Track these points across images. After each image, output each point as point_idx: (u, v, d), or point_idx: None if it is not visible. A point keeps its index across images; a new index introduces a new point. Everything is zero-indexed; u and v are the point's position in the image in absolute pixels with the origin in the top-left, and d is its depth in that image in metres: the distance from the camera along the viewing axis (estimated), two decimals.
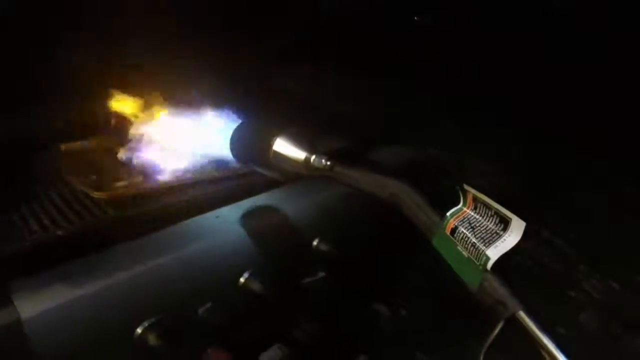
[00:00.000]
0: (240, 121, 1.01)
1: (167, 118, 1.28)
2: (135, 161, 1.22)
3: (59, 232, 0.94)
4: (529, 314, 0.66)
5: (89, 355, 0.88)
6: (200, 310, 1.00)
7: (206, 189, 1.18)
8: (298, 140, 0.89)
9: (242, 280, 1.06)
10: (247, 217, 1.12)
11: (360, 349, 1.53)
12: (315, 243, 1.22)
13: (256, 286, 1.05)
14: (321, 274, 1.24)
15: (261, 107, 1.17)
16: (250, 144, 0.95)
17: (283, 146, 0.89)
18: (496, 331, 0.67)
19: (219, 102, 1.17)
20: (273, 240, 1.14)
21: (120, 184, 1.16)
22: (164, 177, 1.19)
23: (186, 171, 1.21)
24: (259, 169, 0.97)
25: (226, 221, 1.10)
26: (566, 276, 1.98)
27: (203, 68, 1.38)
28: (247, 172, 1.20)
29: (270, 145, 0.88)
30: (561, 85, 1.23)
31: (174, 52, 1.38)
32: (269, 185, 1.22)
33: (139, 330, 0.91)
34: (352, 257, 1.36)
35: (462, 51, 1.34)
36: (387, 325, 1.78)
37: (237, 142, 0.98)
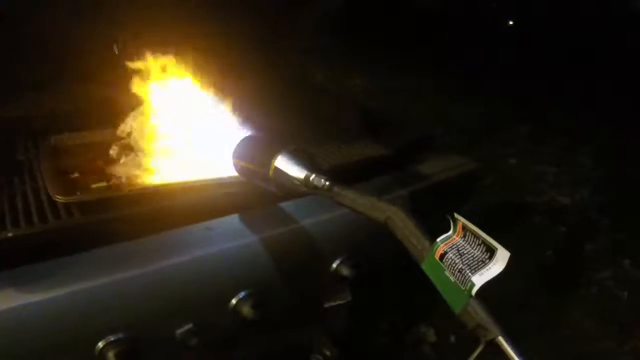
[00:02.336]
0: (245, 134, 1.08)
1: (172, 116, 1.27)
2: (123, 159, 1.22)
3: (10, 234, 0.94)
4: (508, 339, 0.77)
5: None
6: (179, 332, 1.00)
7: (199, 196, 1.14)
8: (299, 158, 0.96)
9: (233, 302, 1.06)
10: (246, 232, 1.10)
11: None
12: (335, 266, 1.21)
13: (248, 311, 1.05)
14: (345, 299, 1.21)
15: (267, 121, 1.20)
16: (252, 158, 1.02)
17: (284, 163, 0.96)
18: (476, 353, 0.78)
19: (227, 110, 1.19)
20: (277, 260, 1.12)
21: (99, 184, 1.15)
22: (153, 179, 1.18)
23: (180, 174, 1.18)
24: (259, 183, 1.04)
25: (219, 234, 1.08)
26: None
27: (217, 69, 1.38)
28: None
29: (272, 161, 0.96)
30: None
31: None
32: (276, 196, 1.16)
33: (100, 345, 0.93)
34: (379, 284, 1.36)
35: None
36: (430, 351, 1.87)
37: (240, 154, 1.05)
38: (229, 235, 1.09)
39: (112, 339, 0.93)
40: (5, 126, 1.35)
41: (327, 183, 0.93)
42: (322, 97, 1.70)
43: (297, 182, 0.96)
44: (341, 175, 0.96)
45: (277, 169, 0.97)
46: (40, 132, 1.32)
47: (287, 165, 0.96)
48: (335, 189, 0.93)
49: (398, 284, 1.47)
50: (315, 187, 0.94)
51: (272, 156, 0.97)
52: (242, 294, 1.07)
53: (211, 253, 1.05)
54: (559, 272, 2.59)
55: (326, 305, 1.26)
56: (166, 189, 1.13)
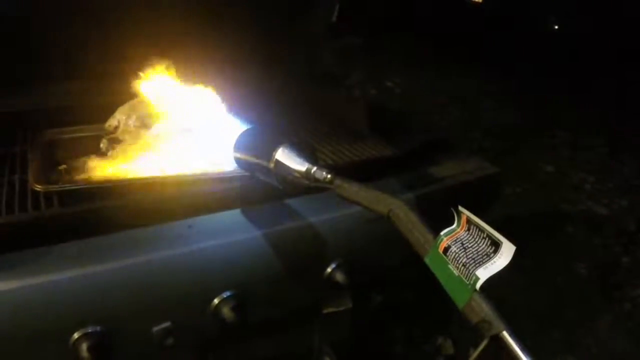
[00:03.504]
0: (246, 127, 1.09)
1: (166, 109, 1.27)
2: (110, 152, 1.23)
3: None
4: (513, 334, 0.77)
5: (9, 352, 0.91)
6: (155, 330, 1.00)
7: (183, 191, 1.14)
8: (300, 150, 0.97)
9: (215, 302, 1.05)
10: (230, 231, 1.09)
11: None
12: (329, 270, 1.19)
13: (229, 313, 1.04)
14: (345, 306, 1.23)
15: (268, 113, 1.21)
16: (252, 150, 1.03)
17: (285, 155, 0.97)
18: (480, 349, 0.78)
19: (226, 103, 1.19)
20: (264, 262, 1.10)
21: (82, 176, 1.16)
22: (138, 172, 1.18)
23: (168, 169, 1.18)
24: (260, 176, 1.04)
25: (200, 232, 1.07)
26: None
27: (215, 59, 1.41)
28: (239, 176, 1.15)
29: (273, 154, 0.97)
30: None
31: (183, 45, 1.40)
32: (266, 194, 1.17)
33: (75, 336, 0.94)
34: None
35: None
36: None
37: (241, 147, 1.06)
38: (211, 233, 1.08)
39: (87, 331, 0.94)
40: (4, 120, 1.38)
41: (329, 176, 0.94)
42: (333, 95, 1.69)
43: (298, 175, 0.96)
44: (347, 175, 0.95)
45: (278, 162, 0.97)
46: (39, 126, 1.34)
47: (288, 158, 0.97)
48: (337, 181, 0.93)
49: (406, 292, 1.46)
50: (317, 180, 0.95)
51: (273, 149, 0.97)
52: (224, 295, 1.07)
53: (190, 251, 1.04)
54: (591, 286, 2.54)
55: (325, 311, 1.27)
56: (148, 183, 1.14)
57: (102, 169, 1.20)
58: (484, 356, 0.78)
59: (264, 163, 0.99)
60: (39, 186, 1.06)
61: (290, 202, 1.20)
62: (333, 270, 1.19)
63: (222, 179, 1.17)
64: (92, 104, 1.37)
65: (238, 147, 1.07)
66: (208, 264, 1.06)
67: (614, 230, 3.03)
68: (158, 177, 1.16)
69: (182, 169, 1.20)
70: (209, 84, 1.25)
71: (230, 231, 1.10)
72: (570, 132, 4.30)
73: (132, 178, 1.16)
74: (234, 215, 1.14)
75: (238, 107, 1.18)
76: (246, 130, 1.07)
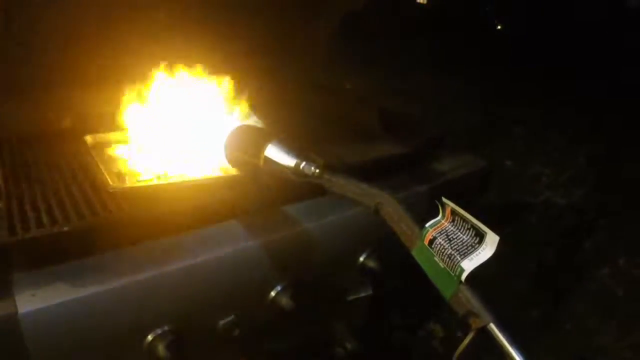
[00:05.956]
0: (235, 125, 1.07)
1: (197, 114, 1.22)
2: (157, 156, 1.20)
3: (65, 228, 0.94)
4: (500, 326, 0.76)
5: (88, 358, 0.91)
6: (222, 323, 1.04)
7: (240, 191, 1.15)
8: (289, 146, 0.95)
9: (272, 294, 1.10)
10: (284, 226, 1.13)
11: None
12: (362, 259, 1.25)
13: (287, 302, 1.09)
14: (366, 292, 1.28)
15: (283, 122, 1.20)
16: (242, 148, 1.02)
17: (274, 152, 0.95)
18: (467, 341, 0.78)
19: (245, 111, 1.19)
20: (311, 253, 1.15)
21: (143, 178, 1.15)
22: (192, 174, 1.17)
23: (215, 170, 1.18)
24: (251, 174, 1.04)
25: (259, 229, 1.10)
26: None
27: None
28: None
29: (262, 151, 0.96)
30: None
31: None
32: (312, 192, 1.21)
33: (149, 338, 0.95)
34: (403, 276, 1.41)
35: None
36: (439, 346, 1.87)
37: (230, 145, 1.04)
38: (269, 228, 1.12)
39: (159, 332, 0.96)
40: (37, 126, 1.36)
41: (318, 170, 0.93)
42: (337, 97, 1.73)
43: (288, 171, 0.95)
44: (359, 174, 0.96)
45: (267, 159, 0.96)
46: (69, 133, 1.34)
47: (277, 154, 0.96)
48: (326, 176, 0.93)
49: (414, 279, 1.48)
50: (306, 175, 0.94)
51: (262, 145, 0.96)
52: (279, 287, 1.11)
53: (251, 245, 1.07)
54: (560, 270, 2.61)
55: (349, 298, 1.31)
56: (212, 183, 1.15)
57: (160, 171, 1.20)
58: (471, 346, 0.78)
59: (254, 161, 0.98)
60: (115, 187, 1.05)
61: (329, 197, 1.24)
62: (365, 258, 1.26)
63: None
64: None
65: (227, 146, 1.05)
66: (269, 256, 1.10)
67: (574, 218, 3.10)
68: (214, 178, 1.17)
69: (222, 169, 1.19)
70: (217, 87, 1.26)
71: (282, 225, 1.14)
72: (524, 127, 4.38)
73: (192, 179, 1.17)
74: (282, 211, 1.19)
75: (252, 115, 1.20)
76: (234, 129, 1.05)
